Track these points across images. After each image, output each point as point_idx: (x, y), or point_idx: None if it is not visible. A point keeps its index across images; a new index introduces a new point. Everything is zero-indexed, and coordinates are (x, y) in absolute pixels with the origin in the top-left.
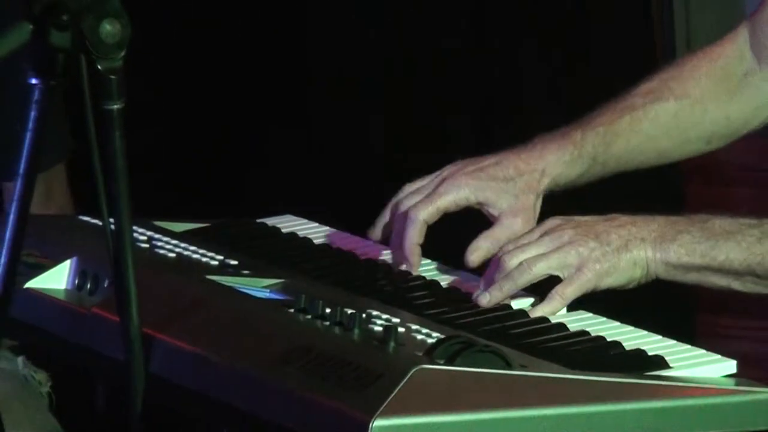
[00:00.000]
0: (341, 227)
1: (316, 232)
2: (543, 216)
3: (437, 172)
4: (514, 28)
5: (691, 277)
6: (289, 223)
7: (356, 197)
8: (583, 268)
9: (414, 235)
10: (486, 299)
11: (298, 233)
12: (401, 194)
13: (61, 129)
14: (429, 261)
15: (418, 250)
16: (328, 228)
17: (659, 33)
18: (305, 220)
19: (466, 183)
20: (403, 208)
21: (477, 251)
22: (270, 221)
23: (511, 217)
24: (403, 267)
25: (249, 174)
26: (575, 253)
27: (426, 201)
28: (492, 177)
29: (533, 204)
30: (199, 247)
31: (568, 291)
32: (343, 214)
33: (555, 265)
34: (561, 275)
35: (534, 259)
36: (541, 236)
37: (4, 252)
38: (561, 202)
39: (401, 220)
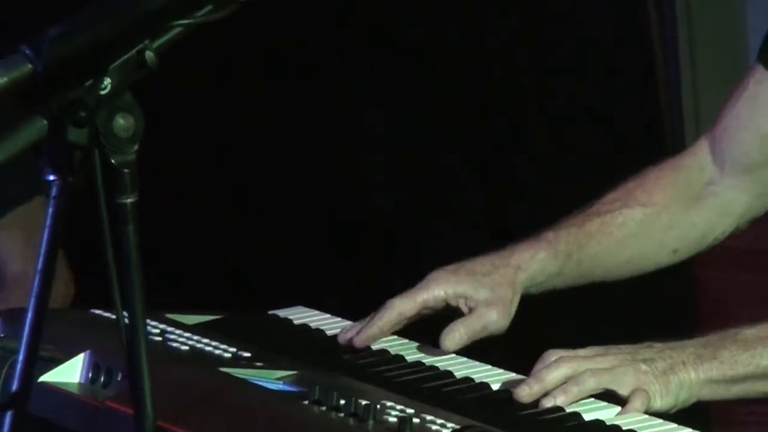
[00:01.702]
0: (353, 318)
1: (328, 323)
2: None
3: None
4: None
5: (735, 391)
6: (300, 315)
7: (367, 288)
8: (642, 388)
9: (383, 318)
10: (551, 403)
11: (310, 324)
12: None
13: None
14: (441, 350)
15: (375, 333)
16: (339, 319)
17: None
18: (317, 312)
19: (445, 278)
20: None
21: (451, 334)
22: (282, 313)
23: (485, 307)
24: (353, 339)
25: (260, 266)
26: (632, 373)
27: (405, 294)
28: (469, 272)
29: (510, 298)
30: (212, 339)
31: (638, 406)
32: (354, 305)
33: (614, 381)
34: (617, 391)
35: (597, 371)
36: (593, 356)
37: (22, 349)
38: (576, 295)
39: (379, 309)
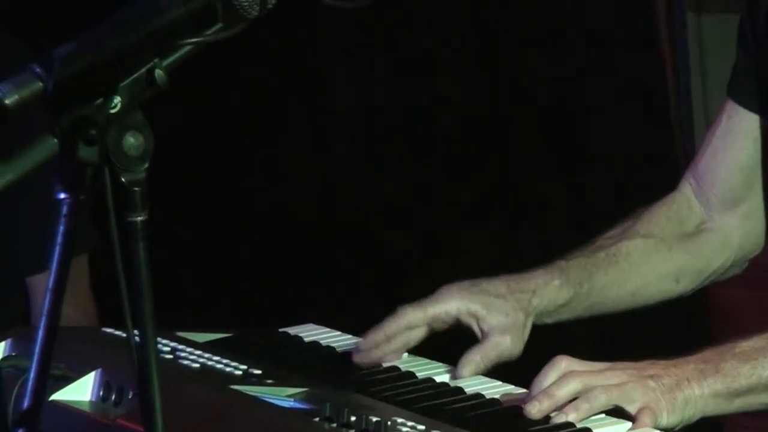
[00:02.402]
0: (363, 335)
1: (338, 340)
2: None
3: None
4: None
5: (738, 404)
6: (311, 332)
7: (378, 306)
8: (650, 405)
9: (391, 324)
10: (562, 419)
11: (321, 342)
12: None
13: (84, 221)
14: (450, 367)
15: (381, 338)
16: (350, 336)
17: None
18: (327, 329)
19: (459, 295)
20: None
21: (468, 365)
22: (292, 330)
23: (500, 335)
24: (359, 344)
25: (271, 283)
26: (641, 390)
27: (416, 304)
28: (484, 291)
29: (523, 323)
30: (223, 357)
31: (647, 422)
32: (364, 322)
33: (624, 397)
34: (626, 408)
35: (607, 387)
36: (602, 371)
37: (33, 367)
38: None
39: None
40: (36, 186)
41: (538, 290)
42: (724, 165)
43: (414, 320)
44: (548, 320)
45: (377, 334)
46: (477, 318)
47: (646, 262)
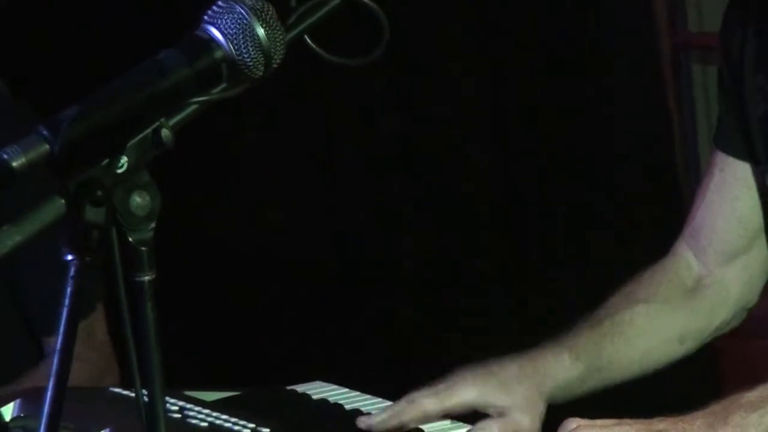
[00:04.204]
0: (371, 393)
1: (346, 397)
2: None
3: (447, 376)
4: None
5: None
6: (319, 390)
7: (385, 363)
8: None
9: (407, 414)
10: None
11: (329, 399)
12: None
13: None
14: (457, 423)
15: (395, 425)
16: (358, 393)
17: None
18: (335, 386)
19: (473, 384)
20: (410, 397)
21: None
22: (300, 388)
23: (519, 413)
24: (372, 423)
25: (278, 341)
26: None
27: (432, 393)
28: (496, 375)
29: (539, 404)
30: (231, 415)
31: None
32: (372, 379)
33: None
34: None
35: None
36: (611, 426)
37: (42, 428)
38: None
39: (403, 403)
40: (47, 248)
41: (550, 371)
42: (722, 217)
43: (429, 412)
44: (560, 399)
45: (392, 422)
46: (494, 405)
47: (650, 327)
